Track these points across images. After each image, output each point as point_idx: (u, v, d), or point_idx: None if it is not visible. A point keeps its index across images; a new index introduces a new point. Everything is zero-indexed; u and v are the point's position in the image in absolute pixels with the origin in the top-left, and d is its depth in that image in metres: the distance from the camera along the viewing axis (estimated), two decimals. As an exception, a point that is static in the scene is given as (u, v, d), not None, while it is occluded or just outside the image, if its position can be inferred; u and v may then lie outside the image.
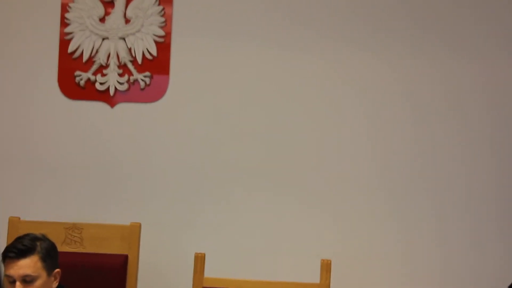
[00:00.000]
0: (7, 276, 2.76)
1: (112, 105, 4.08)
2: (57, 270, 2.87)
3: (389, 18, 4.00)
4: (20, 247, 2.76)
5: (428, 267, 3.93)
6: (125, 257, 3.52)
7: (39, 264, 2.78)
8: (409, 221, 3.95)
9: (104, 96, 4.08)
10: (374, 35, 3.99)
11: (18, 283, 2.74)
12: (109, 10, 4.11)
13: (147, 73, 4.06)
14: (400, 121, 3.99)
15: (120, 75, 4.07)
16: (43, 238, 2.85)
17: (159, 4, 4.09)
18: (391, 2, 4.01)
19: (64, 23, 4.11)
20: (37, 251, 2.78)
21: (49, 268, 2.81)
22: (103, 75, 4.07)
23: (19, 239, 2.82)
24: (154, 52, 4.07)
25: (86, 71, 4.08)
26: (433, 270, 3.93)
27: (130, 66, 4.07)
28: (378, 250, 3.95)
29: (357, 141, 3.99)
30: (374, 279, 3.94)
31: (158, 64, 4.07)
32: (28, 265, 2.75)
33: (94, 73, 4.08)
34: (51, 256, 2.83)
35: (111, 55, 4.08)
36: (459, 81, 3.97)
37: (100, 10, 4.11)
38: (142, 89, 4.07)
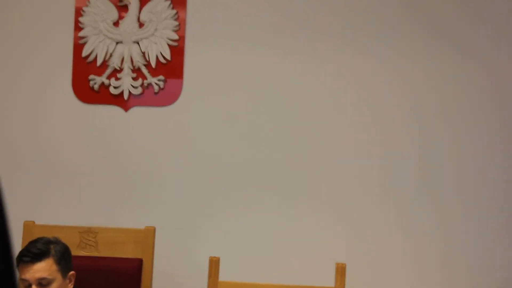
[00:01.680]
0: (23, 280, 2.77)
1: (126, 109, 4.09)
2: (72, 272, 2.88)
3: (395, 20, 3.99)
4: (34, 251, 2.77)
5: (440, 270, 3.92)
6: (140, 261, 3.52)
7: (54, 267, 2.78)
8: (419, 225, 3.94)
9: (118, 100, 4.09)
10: (382, 39, 3.98)
11: (34, 287, 2.75)
12: (123, 14, 4.12)
13: (161, 77, 4.07)
14: (408, 124, 3.97)
15: (134, 79, 4.08)
16: (56, 241, 2.86)
17: (172, 8, 4.10)
18: (397, 4, 4.00)
19: (78, 27, 4.13)
20: (51, 254, 2.79)
21: (64, 271, 2.82)
22: (117, 79, 4.08)
23: (32, 243, 2.82)
24: (168, 56, 4.08)
25: (100, 75, 4.09)
26: (445, 274, 3.91)
27: (144, 70, 4.08)
28: (391, 254, 3.94)
29: (367, 144, 3.98)
30: (388, 283, 3.93)
31: (171, 68, 4.08)
32: (43, 268, 2.76)
33: (108, 77, 4.09)
34: (65, 259, 2.84)
35: (125, 59, 4.09)
36: (466, 82, 3.96)
37: (114, 14, 4.12)
38: (156, 93, 4.08)
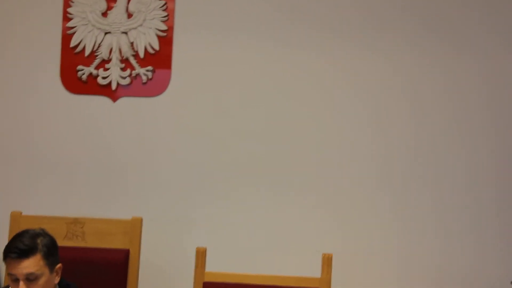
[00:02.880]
0: (10, 274, 2.75)
1: (114, 99, 4.09)
2: (59, 265, 2.87)
3: (391, 17, 3.98)
4: (21, 247, 2.74)
5: (429, 263, 3.93)
6: (127, 252, 3.53)
7: (42, 262, 2.77)
8: (409, 217, 3.95)
9: (106, 91, 4.08)
10: (377, 34, 3.98)
11: (21, 283, 2.73)
12: (112, 4, 4.11)
13: (149, 68, 4.06)
14: (402, 120, 3.97)
15: (122, 69, 4.08)
16: (43, 234, 2.84)
17: (161, -1, 4.10)
18: (393, 1, 3.99)
19: (66, 17, 4.12)
20: (39, 249, 2.77)
21: (51, 265, 2.81)
22: (105, 69, 4.08)
23: (18, 237, 2.79)
24: (156, 47, 4.07)
25: (88, 65, 4.09)
26: (433, 266, 3.92)
27: (132, 60, 4.07)
28: (378, 245, 3.95)
29: (359, 138, 3.99)
30: (375, 274, 3.94)
31: (160, 58, 4.07)
32: (31, 264, 2.74)
33: (96, 68, 4.08)
34: (52, 253, 2.82)
35: (113, 50, 4.08)
36: (461, 80, 3.96)
37: (103, 5, 4.11)
38: (144, 83, 4.07)
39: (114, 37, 4.09)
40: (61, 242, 3.06)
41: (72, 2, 4.12)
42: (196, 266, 3.27)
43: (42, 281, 2.77)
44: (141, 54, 4.07)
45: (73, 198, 4.05)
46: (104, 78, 4.07)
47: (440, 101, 3.96)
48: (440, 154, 3.95)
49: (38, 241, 2.79)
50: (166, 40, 4.08)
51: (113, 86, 4.07)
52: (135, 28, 4.09)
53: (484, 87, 3.94)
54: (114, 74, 4.07)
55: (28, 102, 4.11)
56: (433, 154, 3.95)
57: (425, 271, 3.92)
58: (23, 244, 2.75)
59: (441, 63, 3.96)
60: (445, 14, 3.96)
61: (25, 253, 2.74)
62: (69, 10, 4.11)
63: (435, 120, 3.96)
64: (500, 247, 3.89)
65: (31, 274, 2.74)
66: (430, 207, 3.94)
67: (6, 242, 2.91)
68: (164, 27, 4.08)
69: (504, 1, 3.94)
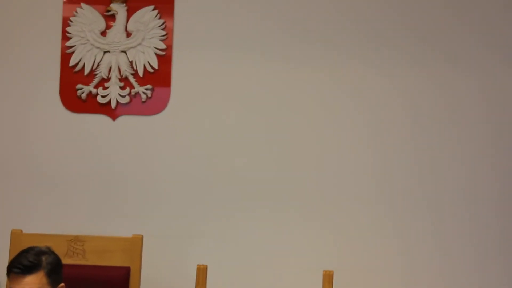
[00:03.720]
0: (12, 290, 2.75)
1: (113, 118, 4.10)
2: (62, 284, 2.86)
3: (389, 32, 4.02)
4: (25, 263, 2.73)
5: (429, 278, 3.93)
6: (127, 269, 3.52)
7: (44, 280, 2.76)
8: (409, 232, 3.96)
9: (106, 109, 4.10)
10: (377, 50, 4.02)
11: None
12: (110, 23, 4.13)
13: (149, 86, 4.08)
14: (400, 133, 4.00)
15: (122, 88, 4.09)
16: (49, 252, 2.82)
17: (160, 18, 4.11)
18: (392, 16, 4.03)
19: (65, 37, 4.14)
20: (42, 266, 2.76)
21: (54, 283, 2.80)
22: (105, 88, 4.09)
23: (24, 253, 2.79)
24: (155, 65, 4.09)
25: (87, 84, 4.10)
26: (434, 281, 3.93)
27: (131, 79, 4.09)
28: (379, 261, 3.95)
29: (358, 153, 4.00)
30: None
31: (159, 77, 4.09)
32: (33, 281, 2.73)
33: (96, 86, 4.10)
34: (56, 271, 2.80)
35: (112, 68, 4.10)
36: (457, 90, 3.99)
37: (101, 24, 4.13)
38: (144, 102, 4.09)
39: (113, 56, 4.10)
40: (61, 260, 3.05)
41: (71, 21, 4.13)
42: (197, 284, 3.27)
43: None
44: (140, 73, 4.09)
45: (73, 216, 4.04)
46: (103, 96, 4.09)
47: (439, 115, 3.99)
48: (440, 170, 3.97)
49: (43, 258, 2.78)
50: (165, 58, 4.10)
51: (113, 105, 4.08)
52: (134, 47, 4.11)
53: (484, 103, 3.97)
54: (114, 93, 4.08)
55: (28, 121, 4.12)
56: (433, 170, 3.97)
57: (428, 285, 3.92)
58: (27, 260, 2.74)
59: (440, 79, 3.99)
60: (445, 31, 4.00)
61: (29, 269, 2.73)
62: (68, 29, 4.13)
63: (435, 134, 3.98)
64: (500, 257, 3.90)
65: None
66: (430, 224, 3.95)
67: (7, 260, 2.91)
68: (163, 46, 4.10)
69: (504, 19, 3.98)
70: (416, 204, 3.97)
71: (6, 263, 2.84)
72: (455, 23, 4.00)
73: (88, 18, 4.13)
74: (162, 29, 4.11)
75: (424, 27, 4.01)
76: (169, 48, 4.10)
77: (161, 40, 4.10)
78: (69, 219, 4.03)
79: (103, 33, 4.13)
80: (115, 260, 3.54)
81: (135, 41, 4.10)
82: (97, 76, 4.10)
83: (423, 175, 3.98)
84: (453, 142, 3.98)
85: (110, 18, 4.13)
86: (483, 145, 3.96)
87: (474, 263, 3.92)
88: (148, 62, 4.10)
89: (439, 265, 3.93)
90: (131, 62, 4.10)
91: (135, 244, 3.56)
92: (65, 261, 3.46)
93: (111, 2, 4.12)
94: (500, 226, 3.93)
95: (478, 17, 3.99)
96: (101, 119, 4.10)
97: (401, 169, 3.98)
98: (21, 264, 2.73)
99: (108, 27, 4.13)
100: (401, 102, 4.01)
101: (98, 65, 4.11)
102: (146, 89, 4.08)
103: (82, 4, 4.14)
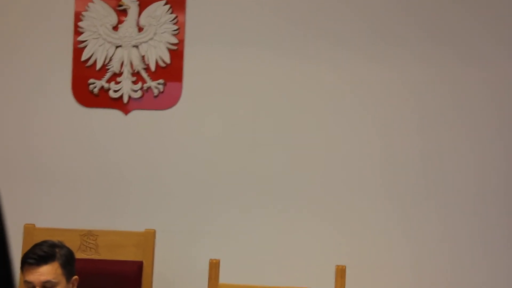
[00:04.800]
0: (27, 282, 2.76)
1: (126, 112, 4.10)
2: (75, 277, 2.88)
3: (395, 25, 4.00)
4: (40, 253, 2.76)
5: (439, 272, 3.93)
6: (140, 264, 3.53)
7: (60, 271, 2.78)
8: (418, 228, 3.95)
9: (118, 104, 4.10)
10: (383, 45, 3.99)
11: None
12: (122, 18, 4.13)
13: (161, 81, 4.08)
14: (409, 129, 3.99)
15: (134, 82, 4.09)
16: (61, 245, 2.86)
17: (172, 12, 4.11)
18: (398, 11, 4.01)
19: (77, 31, 4.14)
20: (57, 257, 2.79)
21: (68, 275, 2.82)
22: (117, 82, 4.09)
23: (38, 245, 2.82)
24: (167, 60, 4.09)
25: (100, 78, 4.10)
26: (444, 275, 3.92)
27: (143, 73, 4.09)
28: (391, 256, 3.95)
29: (366, 149, 3.99)
30: (388, 285, 3.94)
31: (171, 71, 4.09)
32: (49, 271, 2.75)
33: (108, 81, 4.10)
34: (70, 263, 2.83)
35: (124, 63, 4.10)
36: (465, 87, 3.97)
37: (113, 19, 4.13)
38: (156, 96, 4.09)
39: (125, 51, 4.11)
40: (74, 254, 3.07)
41: (83, 16, 4.14)
42: (210, 278, 3.27)
43: None
44: (152, 68, 4.09)
45: (86, 210, 4.05)
46: (115, 91, 4.09)
47: (445, 110, 3.97)
48: (448, 165, 3.96)
49: (57, 250, 2.81)
50: (177, 53, 4.10)
51: (125, 99, 4.08)
52: (146, 42, 4.11)
53: (493, 99, 3.95)
54: (126, 87, 4.09)
55: (40, 116, 4.12)
56: (441, 167, 3.96)
57: (437, 281, 3.92)
58: (42, 251, 2.77)
59: (447, 73, 3.97)
60: (453, 26, 3.98)
61: (44, 260, 2.76)
62: (80, 24, 4.13)
63: (442, 130, 3.97)
64: (508, 255, 3.89)
65: (48, 282, 2.75)
66: (439, 220, 3.94)
67: (20, 254, 2.92)
68: (175, 41, 4.10)
69: (509, 10, 3.95)
70: (425, 200, 3.96)
71: (19, 258, 2.86)
72: (463, 18, 3.98)
73: (100, 13, 4.13)
74: (174, 23, 4.11)
75: (432, 23, 3.99)
76: (181, 43, 4.10)
77: (173, 34, 4.10)
78: (81, 213, 4.04)
79: (115, 28, 4.13)
80: (128, 254, 3.55)
81: (147, 36, 4.10)
82: (109, 70, 4.10)
83: (431, 171, 3.96)
84: (461, 138, 3.96)
85: (122, 12, 4.13)
86: (492, 141, 3.95)
87: (484, 259, 3.91)
88: (160, 57, 4.09)
89: (448, 261, 3.92)
90: (143, 57, 4.10)
91: (148, 238, 3.57)
92: (78, 255, 3.47)
93: (123, -3, 4.13)
94: (510, 218, 3.92)
95: (487, 12, 3.97)
96: (114, 114, 4.10)
97: (409, 165, 3.97)
98: (36, 254, 2.76)
99: (120, 21, 4.13)
100: (409, 99, 4.00)
101: (110, 60, 4.11)
102: (158, 83, 4.08)
103: (94, -1, 4.15)
